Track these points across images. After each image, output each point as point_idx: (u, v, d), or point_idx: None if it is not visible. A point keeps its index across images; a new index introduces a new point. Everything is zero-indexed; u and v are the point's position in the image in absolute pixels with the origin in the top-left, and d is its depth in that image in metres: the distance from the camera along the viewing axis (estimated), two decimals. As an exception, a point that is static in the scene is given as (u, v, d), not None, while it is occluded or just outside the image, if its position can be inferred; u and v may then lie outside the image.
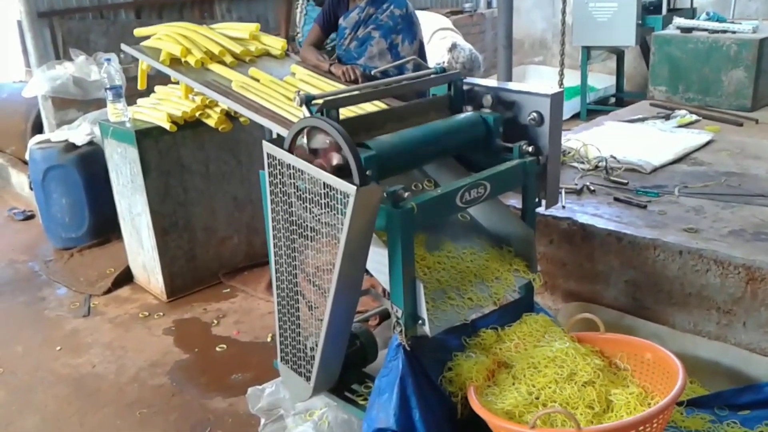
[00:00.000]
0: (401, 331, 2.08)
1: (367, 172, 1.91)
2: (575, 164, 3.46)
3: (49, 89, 4.89)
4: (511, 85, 2.56)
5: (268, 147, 2.10)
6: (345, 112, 2.54)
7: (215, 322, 3.71)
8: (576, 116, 6.80)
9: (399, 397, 2.04)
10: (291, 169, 2.03)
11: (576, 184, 3.18)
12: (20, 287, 4.24)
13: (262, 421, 2.68)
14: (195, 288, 4.05)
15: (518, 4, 7.59)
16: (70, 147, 4.51)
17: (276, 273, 2.24)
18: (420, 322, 2.08)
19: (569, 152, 3.52)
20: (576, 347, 2.17)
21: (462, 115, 2.43)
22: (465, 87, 2.52)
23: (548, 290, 2.94)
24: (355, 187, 1.83)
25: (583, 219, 2.82)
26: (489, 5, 8.53)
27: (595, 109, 6.72)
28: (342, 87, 3.15)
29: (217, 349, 3.46)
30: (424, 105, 2.56)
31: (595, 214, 2.88)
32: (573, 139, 3.71)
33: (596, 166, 3.38)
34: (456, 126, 2.38)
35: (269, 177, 2.12)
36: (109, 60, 3.96)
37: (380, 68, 3.29)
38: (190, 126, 3.81)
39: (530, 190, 2.37)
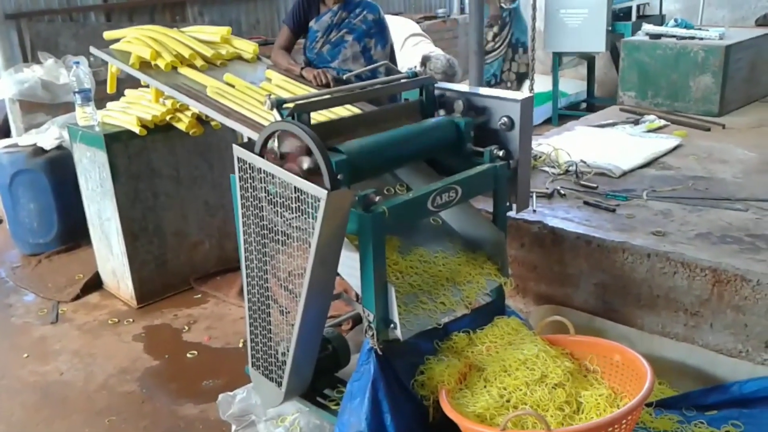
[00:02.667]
0: (373, 335, 2.08)
1: (339, 176, 1.91)
2: (546, 168, 3.49)
3: (17, 92, 4.82)
4: (482, 90, 2.58)
5: (238, 151, 2.08)
6: (317, 117, 2.54)
7: (186, 328, 3.67)
8: (548, 121, 6.87)
9: (371, 402, 2.05)
10: (262, 173, 2.02)
11: (547, 188, 3.21)
12: (-14, 294, 4.16)
13: (233, 427, 2.66)
14: (165, 294, 4.01)
15: (490, 10, 7.69)
16: (39, 151, 4.44)
17: (247, 278, 2.22)
18: (392, 326, 2.08)
19: (540, 157, 3.56)
20: (546, 350, 2.20)
21: (433, 120, 2.44)
22: (437, 92, 2.53)
23: (519, 293, 2.96)
24: (326, 191, 1.83)
25: (553, 223, 2.84)
26: (462, 11, 8.59)
27: (566, 114, 6.79)
28: (314, 91, 3.15)
29: (188, 355, 3.42)
30: (396, 110, 2.56)
31: (565, 217, 2.90)
32: (544, 144, 3.74)
33: (567, 171, 3.42)
34: (427, 130, 2.39)
35: (240, 181, 2.11)
36: (78, 63, 3.91)
37: (354, 72, 3.29)
38: (160, 130, 3.78)
39: (501, 194, 2.38)
